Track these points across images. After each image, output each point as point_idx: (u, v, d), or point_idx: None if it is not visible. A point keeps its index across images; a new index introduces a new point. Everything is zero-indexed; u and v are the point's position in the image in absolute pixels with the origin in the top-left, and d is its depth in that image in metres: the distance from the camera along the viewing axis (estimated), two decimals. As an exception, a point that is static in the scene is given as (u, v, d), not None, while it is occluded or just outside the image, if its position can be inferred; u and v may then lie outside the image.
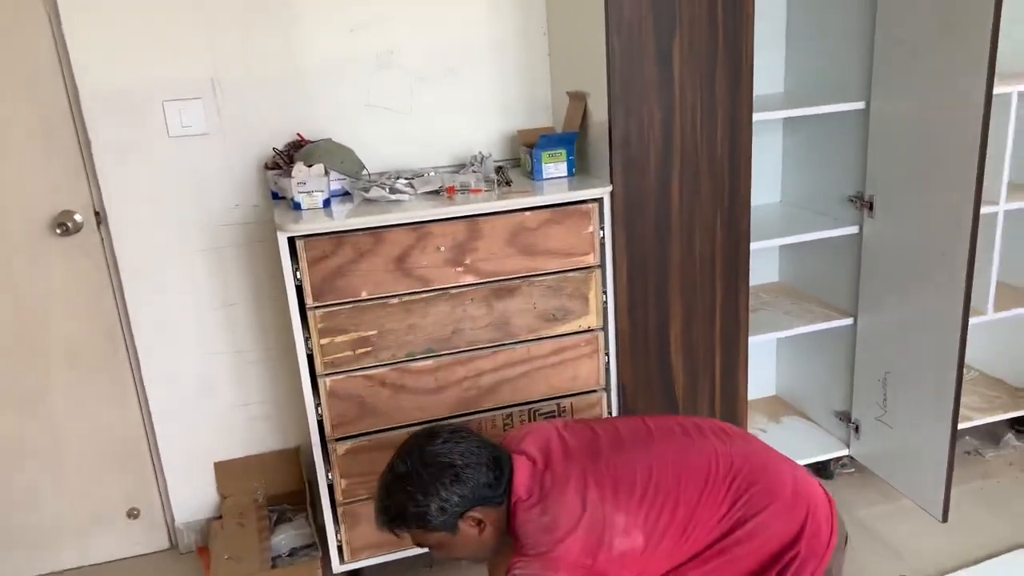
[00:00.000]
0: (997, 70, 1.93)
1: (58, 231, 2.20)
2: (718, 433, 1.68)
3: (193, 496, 2.54)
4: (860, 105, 2.32)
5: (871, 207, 2.37)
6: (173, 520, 2.56)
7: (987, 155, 2.01)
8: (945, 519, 2.30)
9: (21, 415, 2.35)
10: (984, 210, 2.10)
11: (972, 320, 2.18)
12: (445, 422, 1.82)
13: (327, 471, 2.13)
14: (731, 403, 2.40)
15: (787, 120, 2.67)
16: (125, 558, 2.55)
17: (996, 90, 1.99)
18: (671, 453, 1.60)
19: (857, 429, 2.59)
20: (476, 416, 2.18)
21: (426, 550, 1.67)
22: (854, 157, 2.42)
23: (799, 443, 2.69)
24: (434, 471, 1.53)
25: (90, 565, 2.52)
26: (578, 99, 2.23)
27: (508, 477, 1.57)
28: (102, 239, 2.27)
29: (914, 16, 2.10)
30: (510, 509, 1.57)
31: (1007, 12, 1.91)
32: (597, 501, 1.52)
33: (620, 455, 1.59)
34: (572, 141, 2.20)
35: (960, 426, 2.28)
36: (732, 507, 1.56)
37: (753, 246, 2.30)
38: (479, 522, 1.56)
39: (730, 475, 1.58)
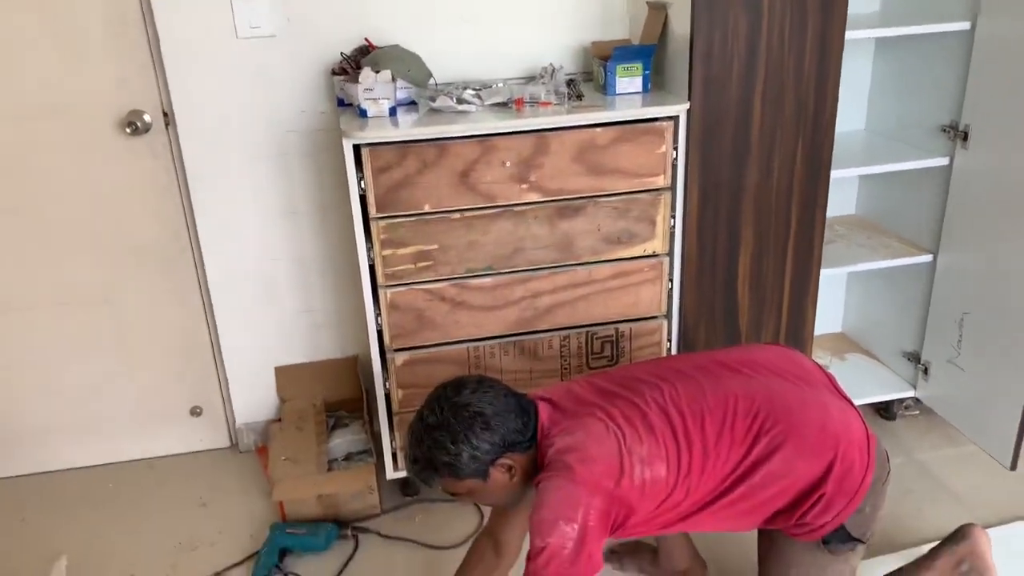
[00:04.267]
0: None
1: (128, 130, 2.21)
2: (744, 370, 1.65)
3: (254, 398, 2.60)
4: (965, 25, 2.14)
5: (965, 137, 2.22)
6: (234, 420, 2.63)
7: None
8: (1014, 467, 2.22)
9: (93, 310, 2.42)
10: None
11: (1066, 264, 2.06)
12: (471, 374, 1.82)
13: (385, 381, 2.15)
14: (797, 338, 2.33)
15: (880, 40, 2.49)
16: (187, 453, 2.65)
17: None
18: (690, 392, 1.60)
19: (926, 371, 2.50)
20: (532, 336, 2.16)
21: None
22: (951, 83, 2.25)
23: (862, 382, 2.61)
24: (464, 420, 1.53)
25: (154, 457, 2.62)
26: (658, 9, 2.11)
27: (534, 422, 1.60)
28: (170, 140, 2.28)
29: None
30: (537, 450, 1.59)
31: None
32: (618, 430, 1.54)
33: (640, 394, 1.61)
34: (649, 54, 2.10)
35: (1038, 374, 2.18)
36: (752, 447, 1.54)
37: (832, 175, 2.18)
38: (509, 468, 1.57)
39: (750, 415, 1.56)
